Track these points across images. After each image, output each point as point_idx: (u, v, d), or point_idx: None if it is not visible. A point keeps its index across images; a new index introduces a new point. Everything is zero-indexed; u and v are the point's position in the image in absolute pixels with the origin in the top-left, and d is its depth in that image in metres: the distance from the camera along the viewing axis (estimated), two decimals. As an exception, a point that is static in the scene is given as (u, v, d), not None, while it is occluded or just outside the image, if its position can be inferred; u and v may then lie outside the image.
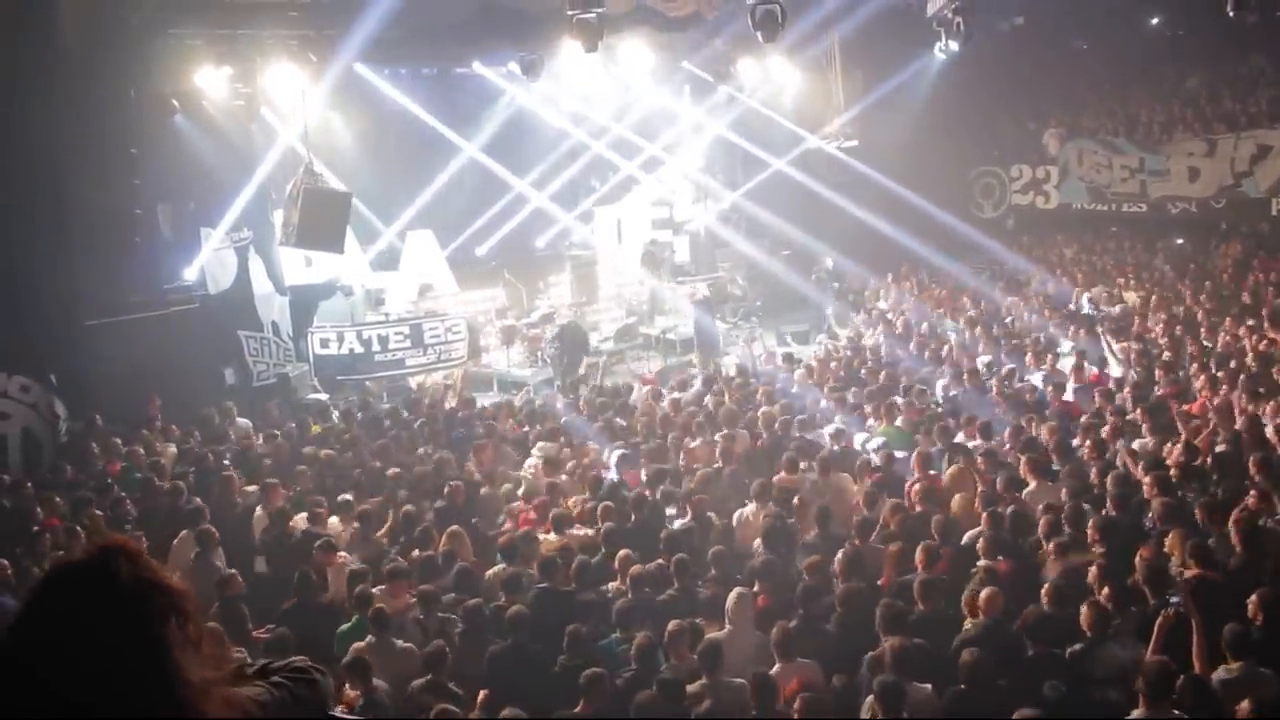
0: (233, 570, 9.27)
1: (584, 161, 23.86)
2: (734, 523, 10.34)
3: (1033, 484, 10.31)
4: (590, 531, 10.16)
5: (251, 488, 11.77)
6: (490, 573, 9.24)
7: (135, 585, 1.98)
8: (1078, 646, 7.24)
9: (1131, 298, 20.01)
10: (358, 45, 17.49)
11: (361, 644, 7.94)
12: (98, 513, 10.82)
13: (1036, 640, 7.37)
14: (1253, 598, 7.17)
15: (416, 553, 9.91)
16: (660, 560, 9.10)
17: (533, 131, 22.79)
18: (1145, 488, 9.69)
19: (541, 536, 10.02)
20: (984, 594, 7.82)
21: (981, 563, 8.66)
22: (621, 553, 9.20)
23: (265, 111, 17.79)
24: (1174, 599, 7.25)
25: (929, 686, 7.03)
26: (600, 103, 22.52)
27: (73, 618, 1.94)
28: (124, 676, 1.92)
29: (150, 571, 2.02)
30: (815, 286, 23.63)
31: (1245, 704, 6.15)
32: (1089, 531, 8.81)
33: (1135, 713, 6.36)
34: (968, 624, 7.81)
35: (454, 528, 10.07)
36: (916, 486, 10.53)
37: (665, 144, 24.37)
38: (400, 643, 8.07)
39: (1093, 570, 8.01)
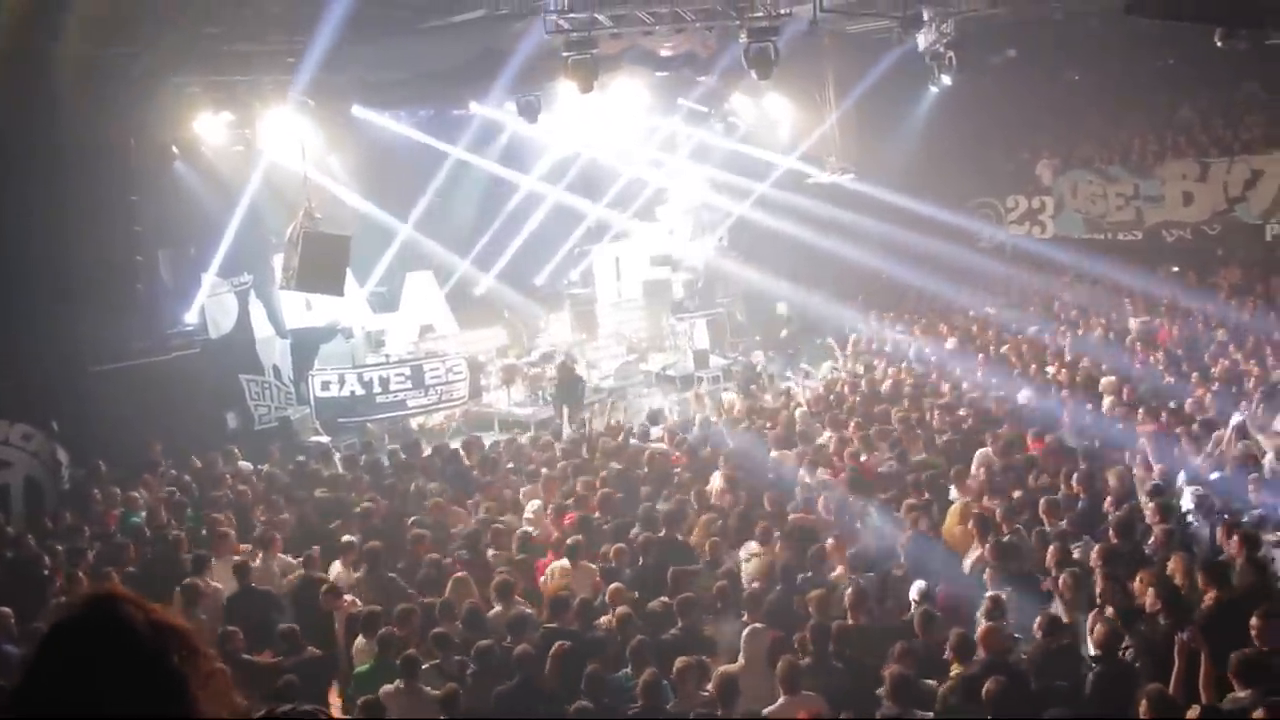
0: (234, 627, 9.10)
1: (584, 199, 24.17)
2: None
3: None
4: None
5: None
6: (493, 613, 9.22)
7: (146, 626, 1.99)
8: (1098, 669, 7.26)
9: (1131, 324, 20.01)
10: (356, 89, 17.71)
11: (391, 688, 7.93)
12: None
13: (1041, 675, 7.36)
14: (1254, 620, 7.18)
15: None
16: (664, 599, 9.09)
17: (528, 169, 23.08)
18: (1148, 514, 9.72)
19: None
20: (982, 629, 7.79)
21: (989, 593, 8.68)
22: (612, 587, 9.21)
23: (264, 156, 17.92)
24: (1183, 634, 7.26)
25: (930, 715, 7.04)
26: (596, 141, 22.74)
27: (87, 664, 1.93)
28: (135, 712, 1.93)
29: (153, 612, 2.04)
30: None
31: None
32: (1092, 557, 8.84)
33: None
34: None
35: (460, 574, 9.94)
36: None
37: (663, 181, 24.60)
38: (430, 689, 8.03)
39: (1098, 586, 8.05)
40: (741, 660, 8.04)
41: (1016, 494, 10.95)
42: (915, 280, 23.51)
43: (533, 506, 12.27)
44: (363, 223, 19.76)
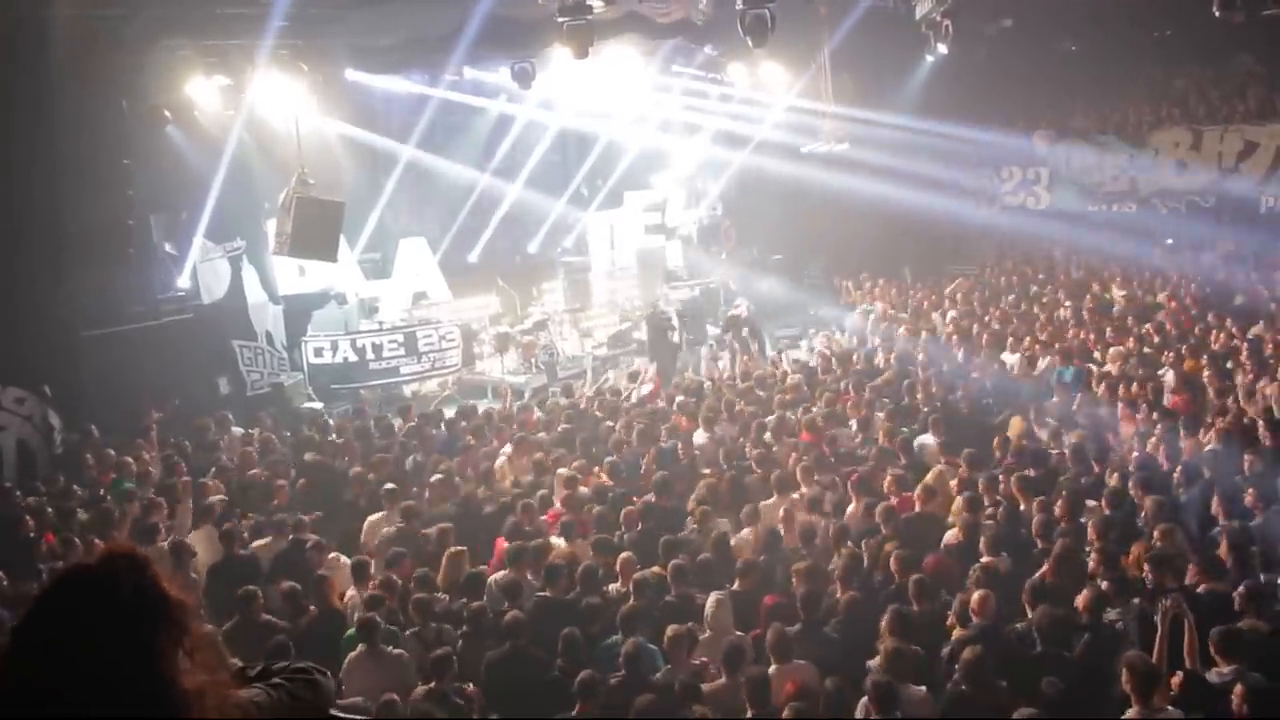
0: (254, 587, 9.14)
1: (576, 163, 24.16)
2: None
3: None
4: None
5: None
6: (493, 578, 9.25)
7: (135, 594, 2.02)
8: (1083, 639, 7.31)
9: (1117, 296, 19.97)
10: (349, 53, 17.60)
11: (354, 654, 7.96)
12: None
13: (1047, 641, 7.41)
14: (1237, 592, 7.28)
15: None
16: (657, 568, 9.11)
17: (522, 136, 23.01)
18: (1133, 489, 9.76)
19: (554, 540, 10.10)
20: (976, 596, 7.85)
21: (985, 559, 8.73)
22: (624, 555, 9.21)
23: (256, 121, 17.83)
24: (1166, 600, 7.32)
25: (924, 688, 7.08)
26: (591, 108, 22.69)
27: (73, 621, 2.00)
28: (119, 680, 1.97)
29: (152, 582, 2.06)
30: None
31: (1240, 689, 6.23)
32: (1089, 530, 8.88)
33: (1130, 712, 6.40)
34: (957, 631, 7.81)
35: (453, 550, 9.80)
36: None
37: (657, 149, 24.53)
38: (391, 649, 8.08)
39: (1093, 559, 8.10)
40: (708, 631, 8.07)
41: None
42: (909, 250, 23.50)
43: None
44: (356, 180, 19.70)
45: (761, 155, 24.25)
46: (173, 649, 2.04)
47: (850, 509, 10.41)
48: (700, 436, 12.98)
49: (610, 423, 13.99)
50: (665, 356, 19.08)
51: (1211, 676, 6.70)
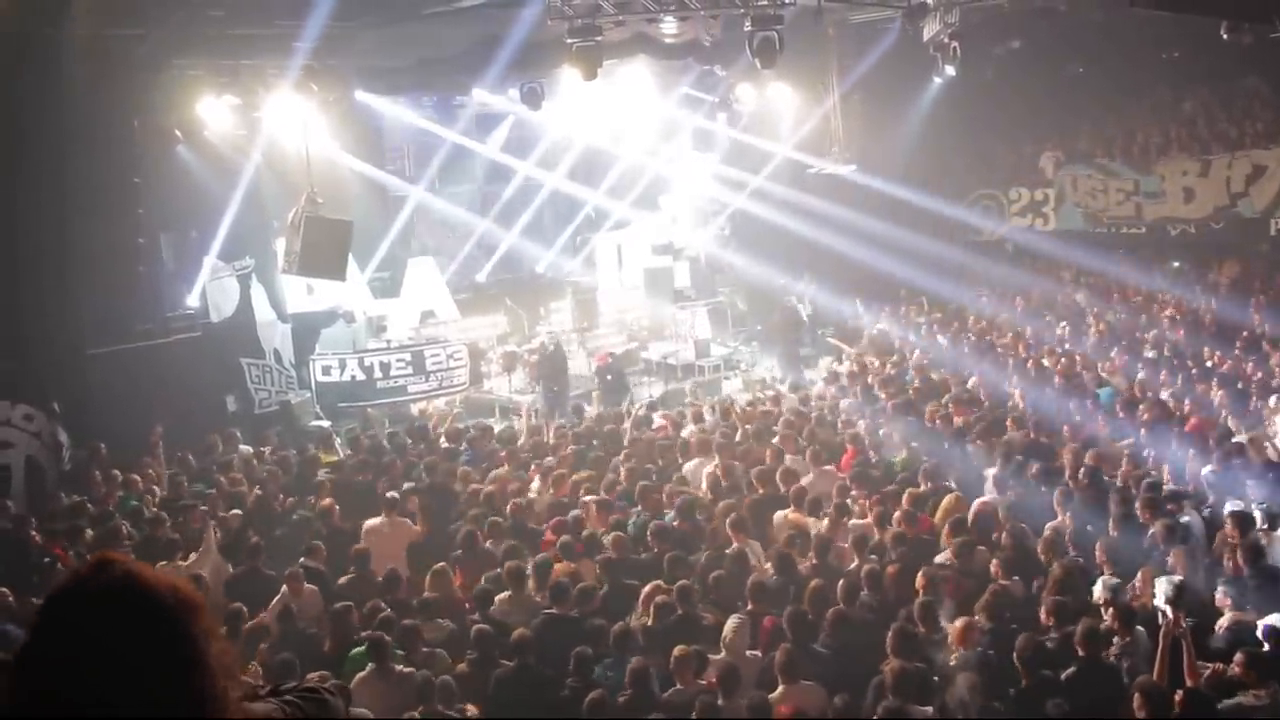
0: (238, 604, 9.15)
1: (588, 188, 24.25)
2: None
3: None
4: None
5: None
6: (498, 598, 9.24)
7: (169, 592, 1.99)
8: (1073, 669, 7.26)
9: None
10: (359, 75, 17.70)
11: (363, 674, 7.95)
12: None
13: (1030, 669, 7.36)
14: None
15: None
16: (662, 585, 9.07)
17: (528, 156, 23.11)
18: (1140, 511, 9.72)
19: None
20: (957, 625, 7.80)
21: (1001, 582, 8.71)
22: (649, 586, 9.16)
23: (266, 140, 17.92)
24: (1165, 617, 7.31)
25: (930, 709, 7.05)
26: (599, 129, 22.76)
27: (93, 627, 1.92)
28: (148, 678, 1.92)
29: (152, 582, 2.00)
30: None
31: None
32: (1097, 554, 8.84)
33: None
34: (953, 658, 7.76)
35: (439, 565, 9.82)
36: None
37: (665, 168, 24.58)
38: (401, 668, 8.05)
39: (1098, 588, 8.07)
40: (724, 652, 8.04)
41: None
42: (916, 275, 23.45)
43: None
44: (364, 207, 19.76)
45: (770, 177, 24.27)
46: (190, 646, 2.00)
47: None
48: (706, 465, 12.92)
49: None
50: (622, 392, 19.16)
51: (1248, 699, 6.65)
